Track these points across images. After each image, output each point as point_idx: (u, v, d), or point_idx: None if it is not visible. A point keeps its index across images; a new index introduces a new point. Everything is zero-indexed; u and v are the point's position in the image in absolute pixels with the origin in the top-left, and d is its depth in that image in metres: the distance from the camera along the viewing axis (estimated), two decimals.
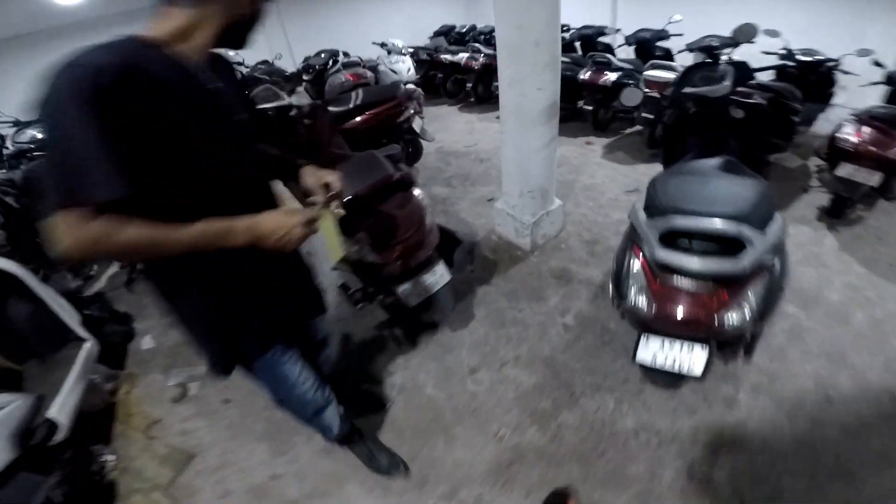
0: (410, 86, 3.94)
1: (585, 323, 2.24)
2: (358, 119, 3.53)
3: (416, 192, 1.96)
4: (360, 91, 3.69)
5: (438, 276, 1.90)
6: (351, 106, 3.53)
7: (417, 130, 3.82)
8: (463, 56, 5.60)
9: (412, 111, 3.73)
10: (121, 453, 1.94)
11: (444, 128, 5.26)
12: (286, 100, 2.09)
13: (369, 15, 8.39)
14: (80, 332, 2.05)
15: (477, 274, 2.65)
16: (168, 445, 1.97)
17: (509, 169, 2.66)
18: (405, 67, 5.61)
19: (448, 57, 5.83)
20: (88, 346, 2.03)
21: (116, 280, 3.10)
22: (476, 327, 2.28)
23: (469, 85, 5.71)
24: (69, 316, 2.04)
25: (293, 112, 2.12)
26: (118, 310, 2.73)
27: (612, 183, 3.53)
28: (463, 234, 3.01)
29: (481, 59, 5.36)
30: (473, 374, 2.05)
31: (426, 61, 6.26)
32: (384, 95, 3.64)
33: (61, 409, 1.69)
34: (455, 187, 3.78)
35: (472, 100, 5.87)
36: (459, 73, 5.84)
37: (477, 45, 5.81)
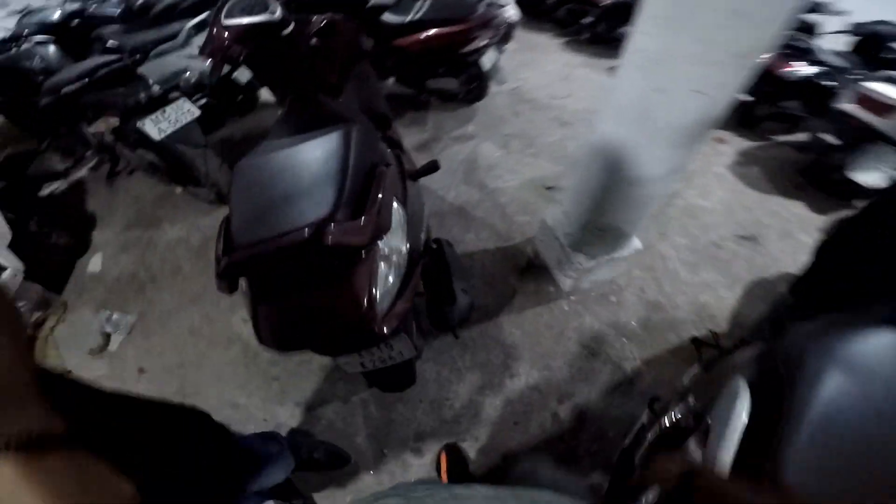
0: (508, 6, 2.87)
1: (582, 423, 1.62)
2: (414, 38, 2.71)
3: (381, 245, 1.07)
4: (429, 1, 2.77)
5: (395, 352, 1.29)
6: (409, 19, 2.68)
7: (485, 69, 2.88)
8: None
9: (485, 42, 2.79)
10: None
11: (534, 63, 4.10)
12: (275, 13, 1.38)
13: None
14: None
15: (481, 298, 2.01)
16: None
17: (584, 183, 1.72)
18: None
19: None
20: (6, 275, 1.77)
21: (100, 171, 2.81)
22: (448, 381, 1.73)
23: (588, 20, 4.33)
24: None
25: (288, 29, 1.42)
26: (78, 212, 2.46)
27: (727, 215, 2.50)
28: (477, 253, 2.24)
29: None
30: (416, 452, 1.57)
31: None
32: (454, 14, 2.72)
33: None
34: (511, 152, 2.91)
35: (586, 37, 4.46)
36: (580, 2, 4.45)
37: None
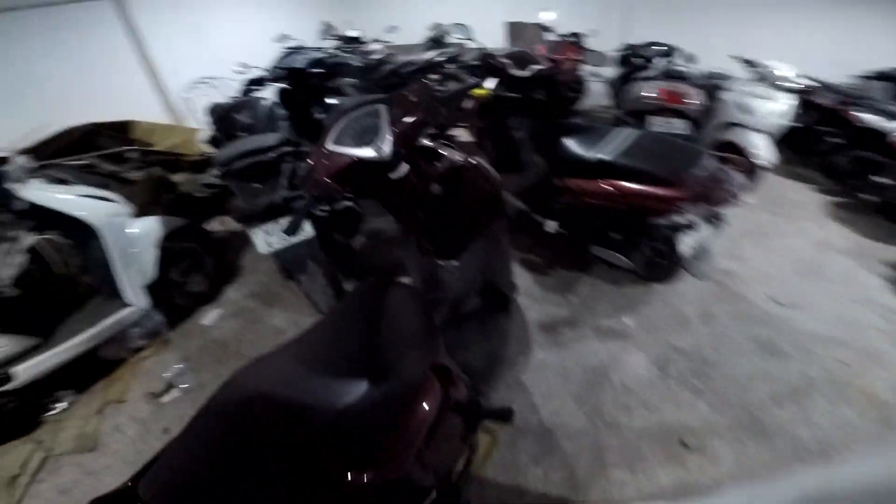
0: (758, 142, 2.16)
1: None
2: (593, 185, 2.16)
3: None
4: (639, 139, 2.24)
5: None
6: (596, 156, 2.16)
7: (682, 252, 2.05)
8: None
9: (693, 219, 2.02)
10: (70, 408, 2.07)
11: (769, 233, 3.00)
12: (382, 151, 1.27)
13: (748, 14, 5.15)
14: (131, 296, 2.19)
15: None
16: (95, 429, 1.98)
17: None
18: (774, 110, 3.14)
19: (870, 119, 3.16)
20: (127, 312, 2.17)
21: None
22: None
23: (881, 180, 3.07)
24: (135, 274, 2.20)
25: (399, 173, 1.35)
26: (223, 264, 2.83)
27: None
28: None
29: None
30: None
31: (820, 110, 3.65)
32: (662, 169, 2.01)
33: (38, 364, 1.88)
34: (667, 376, 2.03)
35: (875, 200, 3.13)
36: (877, 150, 3.14)
37: None
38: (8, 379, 1.82)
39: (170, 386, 2.14)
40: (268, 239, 1.96)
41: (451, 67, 3.63)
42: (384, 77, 3.74)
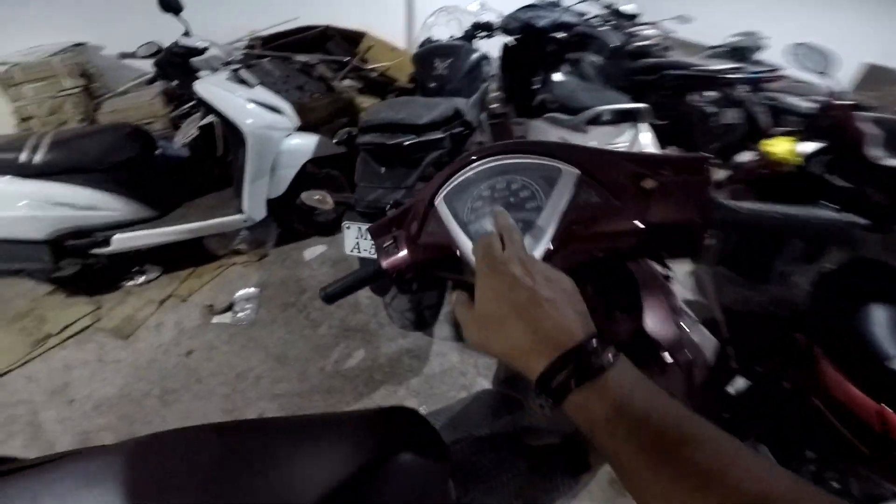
0: None
1: None
2: None
3: None
4: None
5: None
6: None
7: None
8: None
9: None
10: (148, 283, 2.12)
11: None
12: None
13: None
14: (247, 206, 2.06)
15: None
16: (143, 319, 1.97)
17: None
18: None
19: None
20: (238, 218, 2.07)
21: None
22: None
23: None
24: (261, 187, 2.08)
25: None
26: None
27: None
28: None
29: None
30: None
31: None
32: None
33: (140, 238, 1.95)
34: None
35: None
36: None
37: None
38: (107, 243, 1.88)
39: (230, 307, 2.00)
40: (360, 241, 1.53)
41: (743, 91, 2.52)
42: (639, 70, 2.88)
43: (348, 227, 1.52)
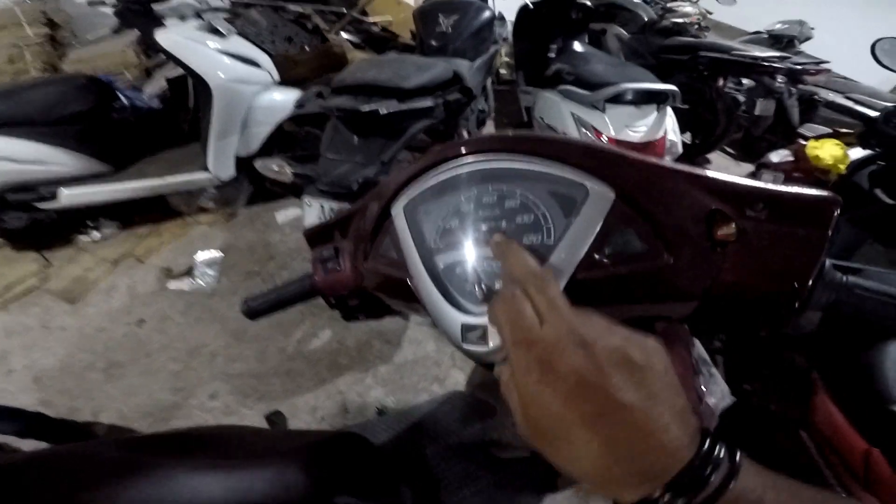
0: None
1: None
2: None
3: None
4: None
5: None
6: None
7: None
8: None
9: None
10: (102, 241, 1.96)
11: None
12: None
13: None
14: (212, 164, 1.91)
15: None
16: (93, 281, 1.83)
17: None
18: None
19: None
20: (202, 177, 1.93)
21: None
22: None
23: None
24: (230, 144, 1.93)
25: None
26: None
27: None
28: None
29: None
30: None
31: None
32: None
33: (90, 194, 1.82)
34: None
35: None
36: None
37: None
38: (53, 198, 1.75)
39: (189, 271, 1.85)
40: (323, 221, 1.32)
41: (781, 83, 2.29)
42: (670, 49, 2.62)
43: (309, 205, 1.34)
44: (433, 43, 2.04)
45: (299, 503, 0.55)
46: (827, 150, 1.29)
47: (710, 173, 0.34)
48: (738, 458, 0.25)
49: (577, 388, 0.25)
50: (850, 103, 2.06)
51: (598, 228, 0.33)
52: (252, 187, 2.19)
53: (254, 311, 0.56)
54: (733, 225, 0.32)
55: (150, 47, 2.35)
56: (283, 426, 1.14)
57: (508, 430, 0.98)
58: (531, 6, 2.37)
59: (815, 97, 2.34)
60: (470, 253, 0.36)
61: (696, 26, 2.68)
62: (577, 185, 0.34)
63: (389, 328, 1.67)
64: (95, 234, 1.93)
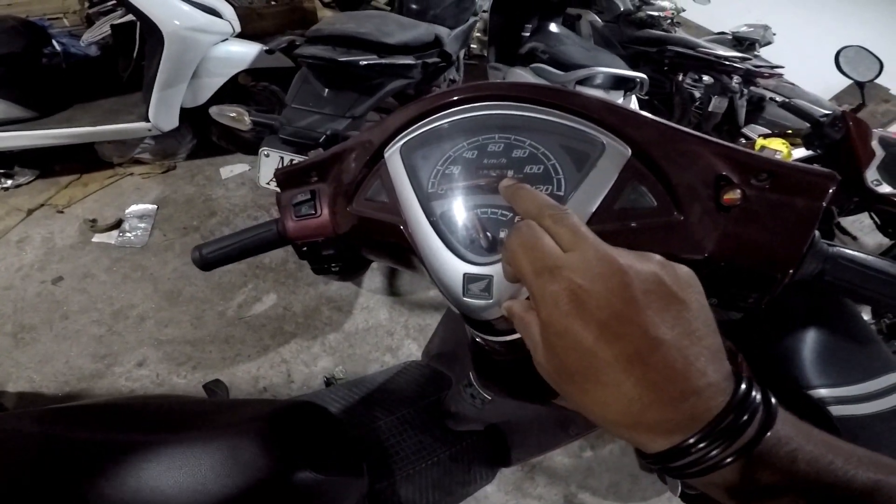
0: None
1: None
2: None
3: None
4: None
5: None
6: None
7: None
8: None
9: None
10: (17, 189, 1.79)
11: None
12: None
13: None
14: (153, 114, 1.76)
15: None
16: (20, 231, 1.68)
17: None
18: None
19: None
20: (138, 126, 1.77)
21: None
22: None
23: None
24: (175, 94, 1.80)
25: None
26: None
27: None
28: None
29: None
30: None
31: None
32: None
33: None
34: None
35: None
36: None
37: None
38: None
39: (118, 224, 1.70)
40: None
41: (736, 83, 2.42)
42: (640, 40, 2.66)
43: (267, 155, 1.26)
44: (413, 6, 1.97)
45: (256, 479, 0.51)
46: (774, 147, 1.37)
47: (721, 141, 0.37)
48: (773, 405, 0.23)
49: (611, 321, 0.23)
50: (802, 105, 2.22)
51: (612, 183, 0.34)
52: (195, 140, 2.05)
53: (207, 261, 0.51)
54: (738, 191, 0.34)
55: None
56: (224, 397, 1.07)
57: (465, 402, 0.97)
58: None
59: (766, 100, 2.49)
60: (473, 200, 0.35)
61: (669, 21, 2.78)
62: (594, 140, 0.35)
63: (340, 294, 1.61)
64: (7, 182, 1.74)
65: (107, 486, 0.45)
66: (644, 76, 1.88)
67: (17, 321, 1.40)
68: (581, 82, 1.86)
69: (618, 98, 1.95)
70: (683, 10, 3.05)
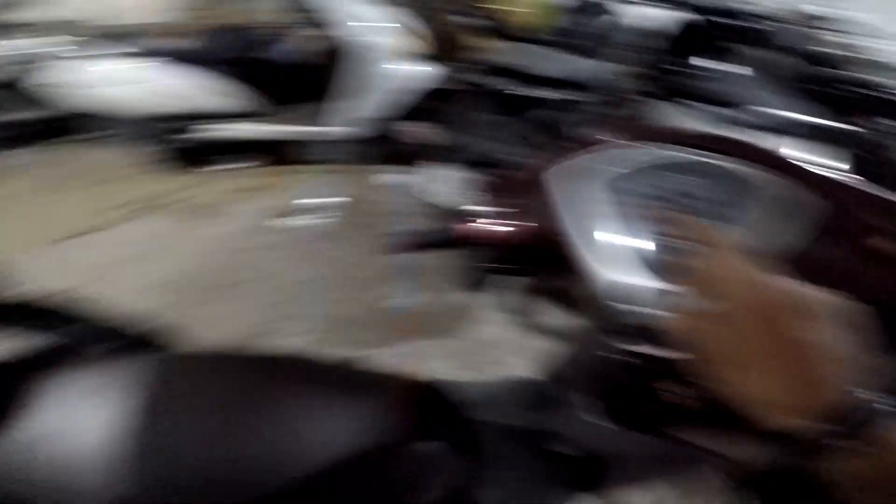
0: None
1: None
2: None
3: None
4: None
5: None
6: None
7: None
8: None
9: None
10: (224, 173, 2.18)
11: None
12: None
13: None
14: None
15: None
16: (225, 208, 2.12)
17: None
18: None
19: None
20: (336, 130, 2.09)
21: None
22: None
23: None
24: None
25: None
26: None
27: None
28: None
29: None
30: None
31: None
32: None
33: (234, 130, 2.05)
34: None
35: None
36: None
37: None
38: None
39: (308, 210, 2.08)
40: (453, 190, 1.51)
41: None
42: (822, 80, 2.43)
43: (444, 173, 1.46)
44: (579, 42, 2.05)
45: (395, 440, 0.57)
46: None
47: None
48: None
49: (762, 325, 0.31)
50: None
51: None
52: (376, 149, 2.30)
53: (398, 247, 0.66)
54: (885, 241, 0.40)
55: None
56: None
57: (575, 426, 1.00)
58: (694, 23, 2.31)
59: None
60: (638, 224, 0.43)
61: (840, 57, 2.41)
62: (769, 188, 0.41)
63: (470, 305, 1.76)
64: (234, 165, 2.18)
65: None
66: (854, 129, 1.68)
67: (208, 282, 1.79)
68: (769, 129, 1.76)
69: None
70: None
